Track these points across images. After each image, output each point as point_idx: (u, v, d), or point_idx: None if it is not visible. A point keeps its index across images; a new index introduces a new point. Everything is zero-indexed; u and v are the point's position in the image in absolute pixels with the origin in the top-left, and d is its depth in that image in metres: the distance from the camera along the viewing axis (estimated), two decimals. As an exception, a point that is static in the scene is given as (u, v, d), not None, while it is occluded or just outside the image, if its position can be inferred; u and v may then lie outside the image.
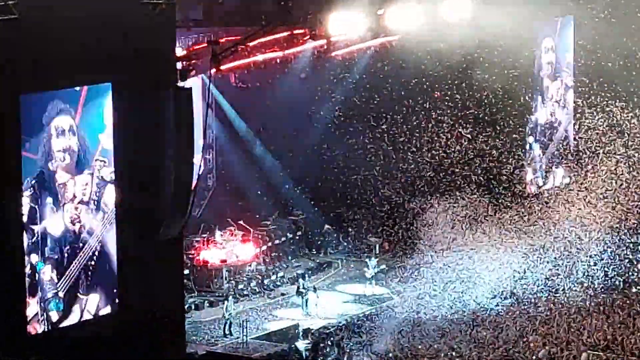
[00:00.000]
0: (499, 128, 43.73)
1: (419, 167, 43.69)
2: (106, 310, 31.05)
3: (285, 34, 37.13)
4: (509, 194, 42.45)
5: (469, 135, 43.29)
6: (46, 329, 29.70)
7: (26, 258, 29.13)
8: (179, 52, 33.85)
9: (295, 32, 37.14)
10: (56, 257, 29.77)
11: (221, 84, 38.41)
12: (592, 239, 40.35)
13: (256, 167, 43.12)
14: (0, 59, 27.92)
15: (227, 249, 40.44)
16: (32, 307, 29.50)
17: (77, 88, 30.07)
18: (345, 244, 44.72)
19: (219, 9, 36.87)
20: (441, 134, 43.44)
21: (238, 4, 36.53)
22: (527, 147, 45.04)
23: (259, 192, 43.62)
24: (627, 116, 43.90)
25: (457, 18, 39.05)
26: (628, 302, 36.61)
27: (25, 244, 29.07)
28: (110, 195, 31.01)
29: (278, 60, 38.00)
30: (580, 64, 45.55)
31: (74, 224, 30.25)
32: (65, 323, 30.07)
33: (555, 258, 39.68)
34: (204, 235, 40.53)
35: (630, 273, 38.94)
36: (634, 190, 42.00)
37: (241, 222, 41.57)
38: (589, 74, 44.68)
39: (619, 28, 43.63)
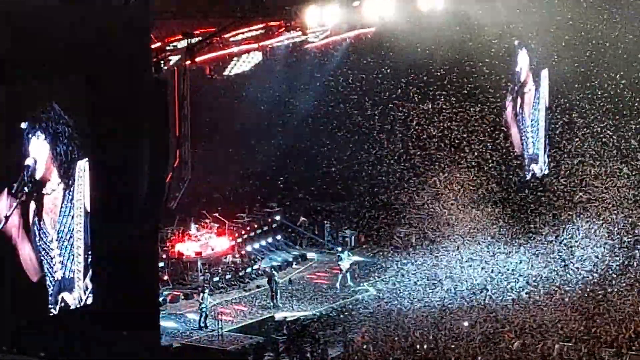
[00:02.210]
0: (477, 120, 43.74)
1: (395, 159, 43.75)
2: (86, 302, 31.12)
3: (260, 25, 37.32)
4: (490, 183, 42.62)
5: (448, 127, 43.31)
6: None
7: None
8: (154, 44, 33.88)
9: (271, 24, 37.37)
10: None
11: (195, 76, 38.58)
12: (567, 230, 40.80)
13: (232, 159, 42.89)
14: None
15: (202, 241, 40.41)
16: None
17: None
18: (320, 236, 44.55)
19: (193, 0, 36.80)
20: (415, 125, 43.47)
21: None
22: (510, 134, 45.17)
23: (235, 185, 43.63)
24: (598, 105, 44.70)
25: (432, 8, 39.31)
26: (601, 294, 36.58)
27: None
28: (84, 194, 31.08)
29: (254, 52, 38.29)
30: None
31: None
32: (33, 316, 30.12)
33: (531, 253, 39.91)
34: (179, 228, 40.34)
35: (604, 267, 38.87)
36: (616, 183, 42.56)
37: (216, 214, 41.60)
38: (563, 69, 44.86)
39: (592, 25, 43.79)
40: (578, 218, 41.36)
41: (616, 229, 40.66)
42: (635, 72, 44.38)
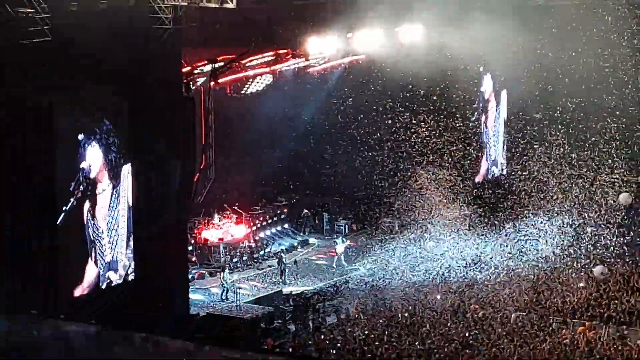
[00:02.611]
0: (451, 128, 43.63)
1: (382, 162, 43.56)
2: (128, 278, 31.31)
3: (271, 53, 37.38)
4: (461, 183, 42.42)
5: (425, 134, 43.08)
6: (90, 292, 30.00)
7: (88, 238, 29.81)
8: (184, 68, 34.00)
9: (280, 52, 37.41)
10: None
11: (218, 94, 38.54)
12: (523, 223, 40.60)
13: (248, 163, 42.83)
14: (36, 71, 27.78)
15: (224, 229, 40.28)
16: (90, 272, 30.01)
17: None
18: (320, 225, 44.22)
19: (216, 32, 36.59)
20: (400, 134, 43.29)
21: (232, 29, 36.23)
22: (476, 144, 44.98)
23: (250, 183, 43.21)
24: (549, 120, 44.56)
25: (412, 40, 39.29)
26: (549, 274, 36.64)
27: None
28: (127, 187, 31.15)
29: (266, 75, 38.18)
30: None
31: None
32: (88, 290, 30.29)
33: (493, 241, 39.84)
34: (204, 218, 40.18)
35: (552, 254, 38.83)
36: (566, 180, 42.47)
37: (235, 207, 41.36)
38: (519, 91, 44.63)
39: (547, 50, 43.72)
40: (532, 214, 41.12)
41: (563, 223, 40.31)
42: (585, 93, 43.77)
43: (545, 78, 44.04)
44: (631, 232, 40.00)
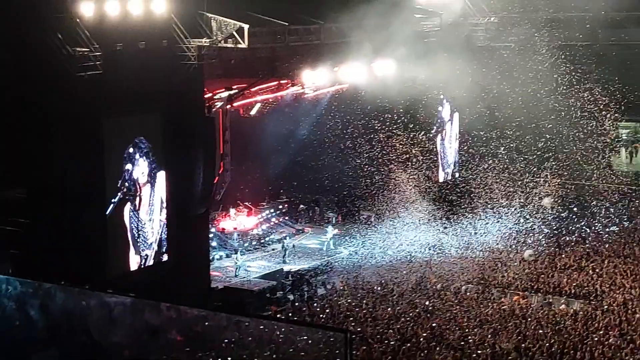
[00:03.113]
0: (417, 141, 43.44)
1: (363, 167, 43.16)
2: (162, 259, 31.30)
3: (274, 83, 37.08)
4: (424, 184, 42.05)
5: (397, 146, 42.84)
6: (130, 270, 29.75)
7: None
8: (206, 94, 33.66)
9: (281, 81, 37.09)
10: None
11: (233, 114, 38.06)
12: (474, 217, 40.45)
13: (256, 168, 42.42)
14: (89, 98, 27.87)
15: (238, 220, 40.20)
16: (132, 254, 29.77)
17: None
18: (313, 217, 43.78)
19: (232, 66, 36.10)
20: (377, 146, 43.01)
21: (244, 64, 35.87)
22: (437, 153, 44.48)
23: (259, 184, 42.77)
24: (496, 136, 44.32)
25: (385, 73, 38.78)
26: (493, 255, 36.75)
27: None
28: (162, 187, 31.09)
29: (270, 100, 37.89)
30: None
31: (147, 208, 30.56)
32: (132, 268, 30.17)
33: (451, 230, 39.62)
34: (222, 212, 39.98)
35: (496, 241, 38.50)
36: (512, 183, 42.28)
37: (247, 203, 41.26)
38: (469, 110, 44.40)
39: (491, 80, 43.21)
40: (481, 211, 40.66)
41: (505, 219, 39.94)
42: (523, 116, 43.15)
43: (491, 103, 43.51)
44: (553, 225, 39.79)
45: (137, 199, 30.02)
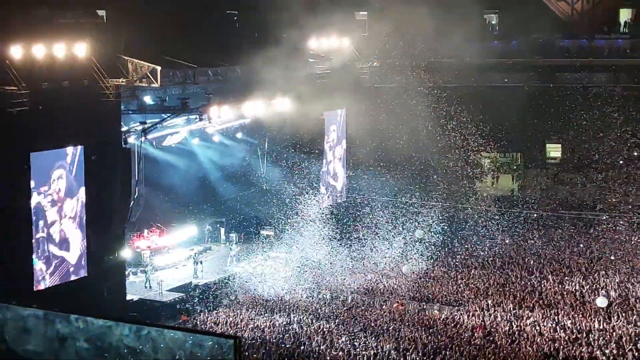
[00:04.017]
0: (312, 170, 43.10)
1: (263, 190, 42.66)
2: (80, 275, 31.15)
3: (184, 117, 36.68)
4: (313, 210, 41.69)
5: (294, 171, 42.49)
6: (45, 287, 29.56)
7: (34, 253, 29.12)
8: (123, 128, 33.68)
9: (190, 116, 36.95)
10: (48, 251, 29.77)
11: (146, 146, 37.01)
12: (366, 236, 40.64)
13: (165, 196, 41.57)
14: (17, 132, 28.23)
15: (151, 240, 39.58)
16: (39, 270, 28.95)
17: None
18: (218, 237, 42.75)
19: (145, 103, 35.28)
20: (275, 172, 42.72)
21: (158, 101, 35.23)
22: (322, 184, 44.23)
23: (169, 208, 42.01)
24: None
25: (283, 109, 39.10)
26: (378, 269, 37.47)
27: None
28: (82, 211, 30.96)
29: (179, 132, 37.58)
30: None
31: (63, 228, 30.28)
32: (54, 283, 29.95)
33: (348, 246, 39.50)
34: (137, 232, 39.28)
35: (384, 255, 38.69)
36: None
37: (159, 225, 40.47)
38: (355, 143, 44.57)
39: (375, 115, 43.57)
40: (371, 233, 40.94)
41: (390, 240, 40.14)
42: (409, 146, 43.92)
43: (379, 136, 43.98)
44: (426, 244, 40.05)
45: (59, 218, 29.94)
